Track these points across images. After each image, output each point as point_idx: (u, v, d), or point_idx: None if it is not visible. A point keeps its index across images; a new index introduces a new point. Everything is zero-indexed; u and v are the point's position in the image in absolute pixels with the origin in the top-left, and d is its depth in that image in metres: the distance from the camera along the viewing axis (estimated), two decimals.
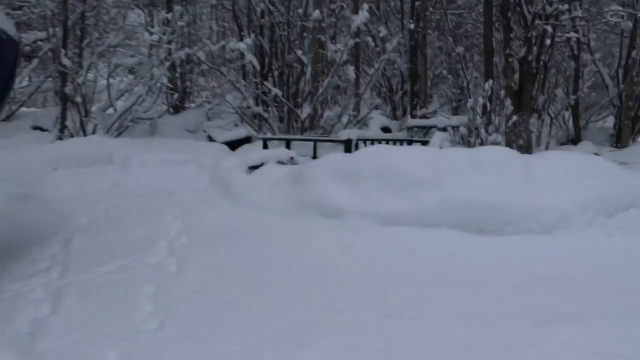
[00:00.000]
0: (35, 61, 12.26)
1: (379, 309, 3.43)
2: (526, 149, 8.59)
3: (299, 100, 12.25)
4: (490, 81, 7.64)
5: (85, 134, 10.57)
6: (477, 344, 2.92)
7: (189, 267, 4.35)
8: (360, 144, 9.03)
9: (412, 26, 12.85)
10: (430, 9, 13.84)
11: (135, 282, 3.98)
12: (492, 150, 6.11)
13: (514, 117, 7.57)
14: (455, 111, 14.26)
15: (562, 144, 11.34)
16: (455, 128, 8.10)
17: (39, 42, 11.87)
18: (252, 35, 12.29)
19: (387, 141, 9.71)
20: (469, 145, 6.94)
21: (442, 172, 5.70)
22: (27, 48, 12.26)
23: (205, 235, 5.30)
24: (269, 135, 10.93)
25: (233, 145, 11.24)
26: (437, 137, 8.02)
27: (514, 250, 4.53)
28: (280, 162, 8.13)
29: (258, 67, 12.19)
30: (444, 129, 8.96)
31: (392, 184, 5.67)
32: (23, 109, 13.54)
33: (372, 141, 9.38)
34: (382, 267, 4.23)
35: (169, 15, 12.05)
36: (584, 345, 2.86)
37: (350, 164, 6.23)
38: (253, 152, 8.78)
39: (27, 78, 13.54)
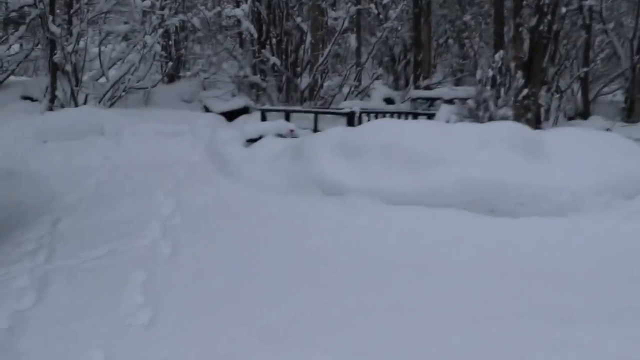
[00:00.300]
0: (22, 28, 11.73)
1: (381, 302, 3.18)
2: (535, 123, 8.26)
3: (298, 69, 11.84)
4: (501, 52, 7.25)
5: (76, 104, 10.17)
6: (485, 346, 2.69)
7: (183, 251, 4.10)
8: (364, 117, 8.69)
9: None
10: None
11: (125, 269, 3.73)
12: (502, 126, 5.80)
13: (525, 90, 7.21)
14: (459, 82, 13.85)
15: (571, 118, 10.96)
16: (462, 100, 7.75)
17: (26, 8, 11.32)
18: (249, 1, 11.77)
19: (392, 114, 9.35)
20: (477, 119, 6.62)
21: (450, 149, 5.42)
22: (14, 14, 11.72)
23: (200, 214, 5.04)
24: (267, 105, 10.55)
25: (230, 115, 10.85)
26: (443, 110, 7.69)
27: (526, 236, 4.26)
28: (280, 135, 7.83)
29: (255, 35, 11.73)
30: (450, 101, 8.61)
31: (397, 161, 5.39)
32: (12, 77, 13.07)
33: (376, 114, 9.02)
34: (386, 253, 3.99)
35: None
36: (598, 348, 2.62)
37: (353, 138, 5.95)
38: (251, 124, 8.45)
39: (16, 45, 13.01)
